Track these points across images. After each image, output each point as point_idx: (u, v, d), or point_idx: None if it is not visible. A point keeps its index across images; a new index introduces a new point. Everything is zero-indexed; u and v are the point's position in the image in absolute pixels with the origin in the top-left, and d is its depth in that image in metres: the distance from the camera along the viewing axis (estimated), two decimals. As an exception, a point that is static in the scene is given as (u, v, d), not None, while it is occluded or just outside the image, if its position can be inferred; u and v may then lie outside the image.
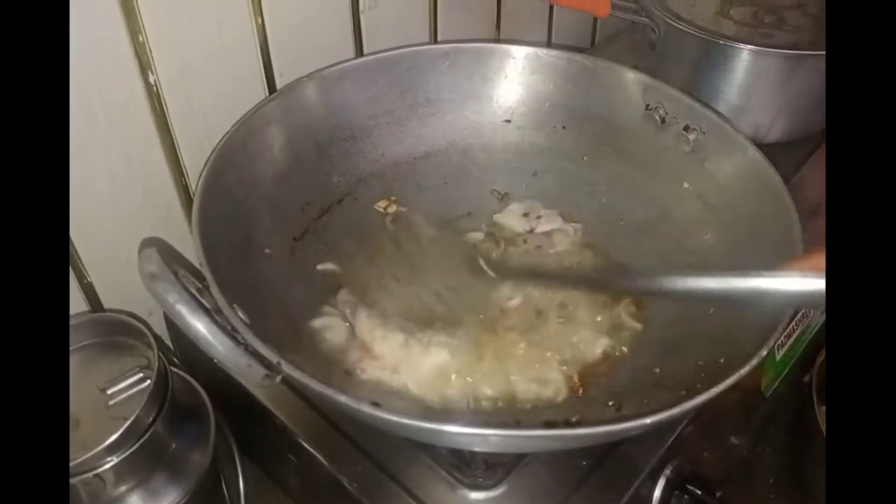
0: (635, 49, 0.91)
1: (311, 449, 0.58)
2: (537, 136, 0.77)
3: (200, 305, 0.45)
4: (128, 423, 0.50)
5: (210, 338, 0.45)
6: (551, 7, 1.03)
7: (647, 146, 0.72)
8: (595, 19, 1.12)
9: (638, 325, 0.63)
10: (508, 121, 0.77)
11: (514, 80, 0.76)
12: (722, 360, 0.53)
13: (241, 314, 0.48)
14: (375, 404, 0.46)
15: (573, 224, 0.72)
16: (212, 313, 0.46)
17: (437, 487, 0.55)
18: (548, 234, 0.71)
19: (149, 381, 0.52)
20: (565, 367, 0.60)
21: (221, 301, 0.47)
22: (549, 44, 1.06)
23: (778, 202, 0.60)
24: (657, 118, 0.71)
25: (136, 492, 0.54)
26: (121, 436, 0.50)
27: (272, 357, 0.46)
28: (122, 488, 0.54)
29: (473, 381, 0.59)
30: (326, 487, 0.58)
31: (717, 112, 0.68)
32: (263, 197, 0.65)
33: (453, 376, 0.59)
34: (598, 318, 0.64)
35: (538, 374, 0.60)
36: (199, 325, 0.44)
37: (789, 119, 0.82)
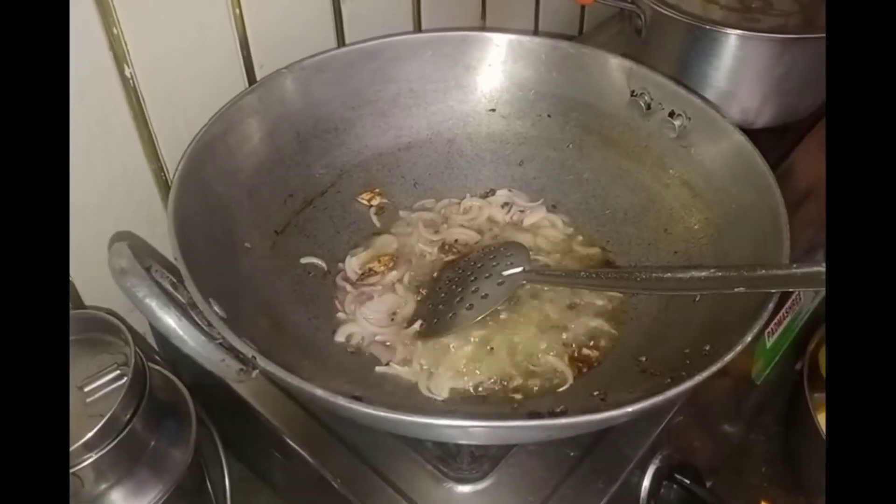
0: (624, 37, 0.90)
1: (294, 445, 0.58)
2: (522, 125, 0.76)
3: (172, 300, 0.44)
4: (104, 419, 0.49)
5: (181, 332, 0.44)
6: (537, -6, 1.02)
7: (632, 133, 0.71)
8: (583, 7, 1.11)
9: (620, 296, 0.63)
10: (493, 110, 0.76)
11: (498, 68, 0.75)
12: (707, 348, 0.52)
13: (217, 308, 0.48)
14: (355, 398, 0.46)
15: (558, 215, 0.72)
16: (185, 308, 0.45)
17: (422, 481, 0.55)
18: (533, 225, 0.71)
19: (126, 378, 0.52)
20: (553, 357, 0.60)
21: (196, 295, 0.47)
22: (535, 32, 1.04)
23: (764, 188, 0.59)
24: (642, 104, 0.70)
25: (116, 489, 0.54)
26: (97, 433, 0.49)
27: (248, 352, 0.45)
28: (102, 486, 0.53)
29: (464, 371, 0.59)
30: (312, 483, 0.57)
31: (702, 97, 0.67)
32: (244, 190, 0.64)
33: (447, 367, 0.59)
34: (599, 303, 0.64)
35: (524, 365, 0.59)
36: (169, 320, 0.44)
37: (777, 104, 0.81)
